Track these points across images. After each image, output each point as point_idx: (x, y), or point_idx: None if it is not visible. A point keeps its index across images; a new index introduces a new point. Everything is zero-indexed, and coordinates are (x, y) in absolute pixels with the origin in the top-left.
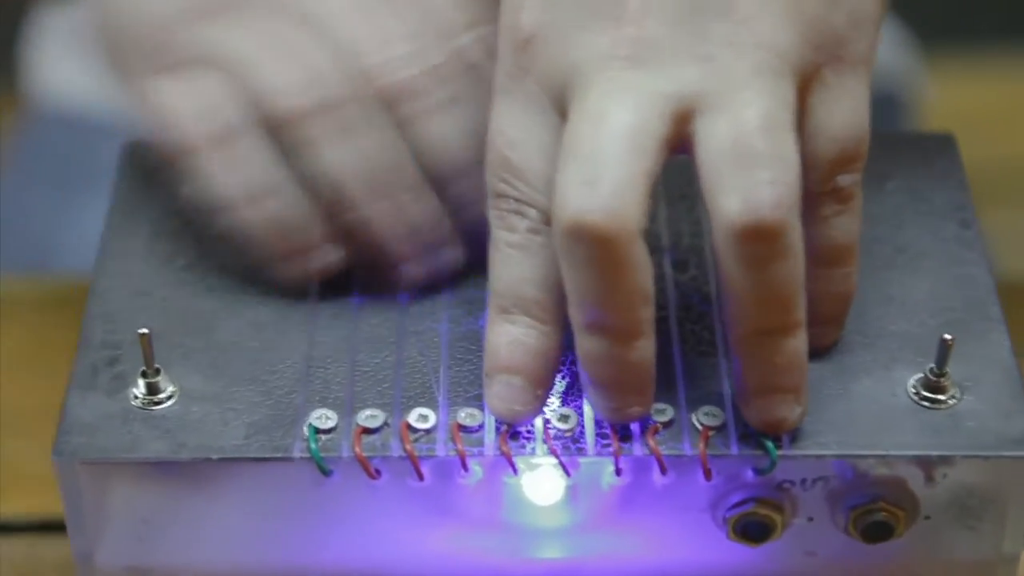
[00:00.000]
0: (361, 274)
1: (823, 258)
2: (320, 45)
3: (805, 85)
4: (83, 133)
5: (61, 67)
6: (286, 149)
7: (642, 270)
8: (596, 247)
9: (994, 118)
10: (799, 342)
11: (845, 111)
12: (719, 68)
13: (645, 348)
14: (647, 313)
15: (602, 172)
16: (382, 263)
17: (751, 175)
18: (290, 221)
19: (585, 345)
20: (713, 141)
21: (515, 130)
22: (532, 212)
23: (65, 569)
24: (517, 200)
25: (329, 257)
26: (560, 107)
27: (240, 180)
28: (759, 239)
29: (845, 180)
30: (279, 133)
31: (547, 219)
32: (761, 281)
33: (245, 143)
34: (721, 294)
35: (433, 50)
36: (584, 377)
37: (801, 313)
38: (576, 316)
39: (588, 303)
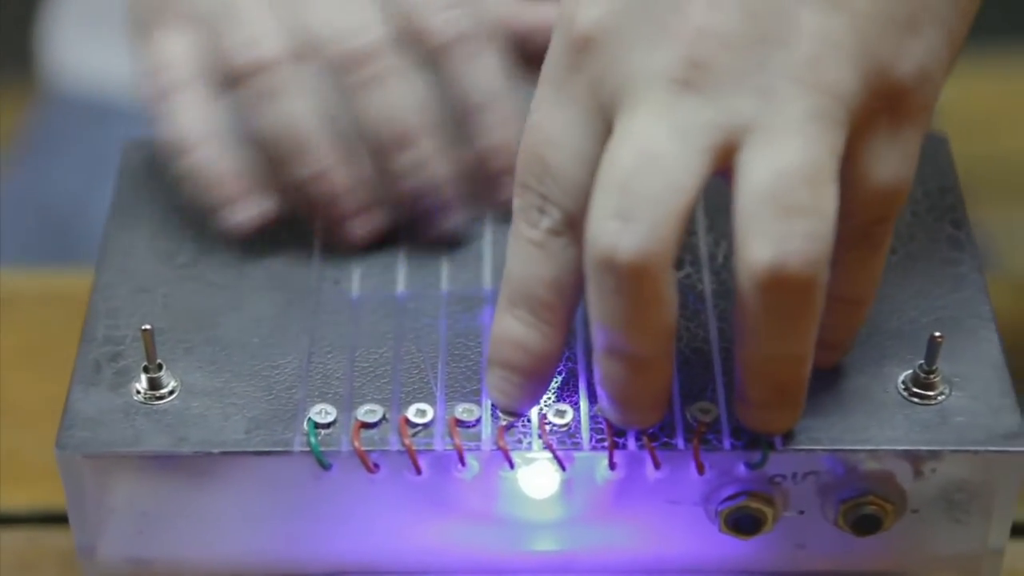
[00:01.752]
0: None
1: (842, 296)
2: (283, 13)
3: (857, 130)
4: (102, 117)
5: (78, 48)
6: (240, 102)
7: (669, 305)
8: (625, 282)
9: (990, 115)
10: (805, 366)
11: (892, 164)
12: (774, 104)
13: (663, 373)
14: (669, 344)
15: (638, 208)
16: (314, 219)
17: (785, 225)
18: (224, 169)
19: (603, 365)
20: (754, 180)
21: (554, 128)
22: (556, 213)
23: (66, 559)
24: (543, 197)
25: (255, 209)
26: (606, 115)
27: (187, 125)
28: (783, 292)
29: (879, 229)
30: (234, 86)
31: (569, 222)
32: (778, 325)
33: (199, 92)
34: (734, 315)
35: (377, 26)
36: (599, 390)
37: (812, 346)
38: (597, 338)
39: (611, 330)
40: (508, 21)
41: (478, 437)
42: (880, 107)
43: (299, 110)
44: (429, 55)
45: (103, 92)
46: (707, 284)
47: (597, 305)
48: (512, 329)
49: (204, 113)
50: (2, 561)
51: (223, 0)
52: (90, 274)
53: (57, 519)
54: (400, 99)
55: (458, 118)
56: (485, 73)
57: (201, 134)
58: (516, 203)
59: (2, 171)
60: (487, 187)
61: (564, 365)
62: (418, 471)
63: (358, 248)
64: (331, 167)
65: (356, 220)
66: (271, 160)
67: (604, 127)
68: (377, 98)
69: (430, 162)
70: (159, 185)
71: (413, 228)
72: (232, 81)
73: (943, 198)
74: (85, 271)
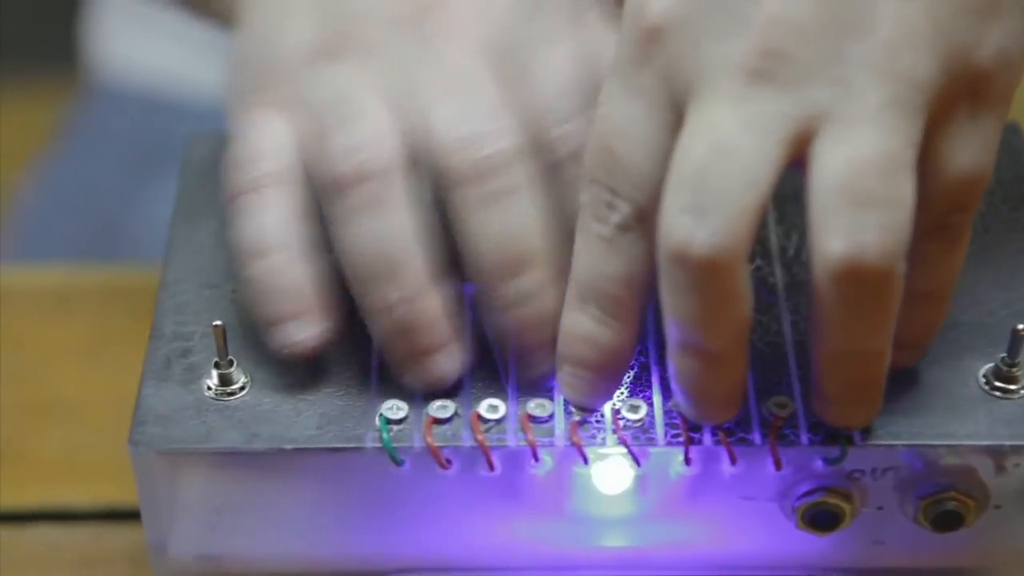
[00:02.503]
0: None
1: (920, 291)
2: (401, 111)
3: (936, 118)
4: (148, 110)
5: (124, 42)
6: (334, 211)
7: (744, 300)
8: (699, 277)
9: None
10: (883, 361)
11: (972, 151)
12: (851, 93)
13: (738, 369)
14: (743, 339)
15: (713, 203)
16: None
17: (861, 217)
18: (290, 283)
19: (678, 361)
20: (828, 172)
21: (624, 120)
22: (625, 207)
23: (132, 556)
24: (612, 191)
25: (312, 331)
26: (676, 107)
27: (264, 228)
28: (858, 284)
29: (958, 219)
30: (332, 192)
31: (639, 216)
32: (855, 319)
33: (287, 192)
34: (810, 310)
35: (509, 135)
36: (674, 384)
37: (889, 341)
38: (672, 334)
39: (686, 326)
40: None
41: (551, 432)
42: (959, 93)
43: (398, 226)
44: (553, 166)
45: (148, 84)
46: (779, 277)
47: (671, 301)
48: (582, 325)
49: (287, 217)
50: (66, 558)
51: (338, 90)
52: (146, 270)
53: (121, 516)
54: (524, 218)
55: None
56: None
57: (277, 240)
58: (584, 198)
59: (47, 164)
60: None
61: (637, 360)
62: (491, 467)
63: (428, 390)
64: (420, 293)
65: (437, 356)
66: (355, 279)
67: (675, 119)
68: (498, 216)
69: (544, 292)
70: (224, 178)
71: (510, 368)
72: (331, 186)
73: (1018, 187)
74: (141, 267)
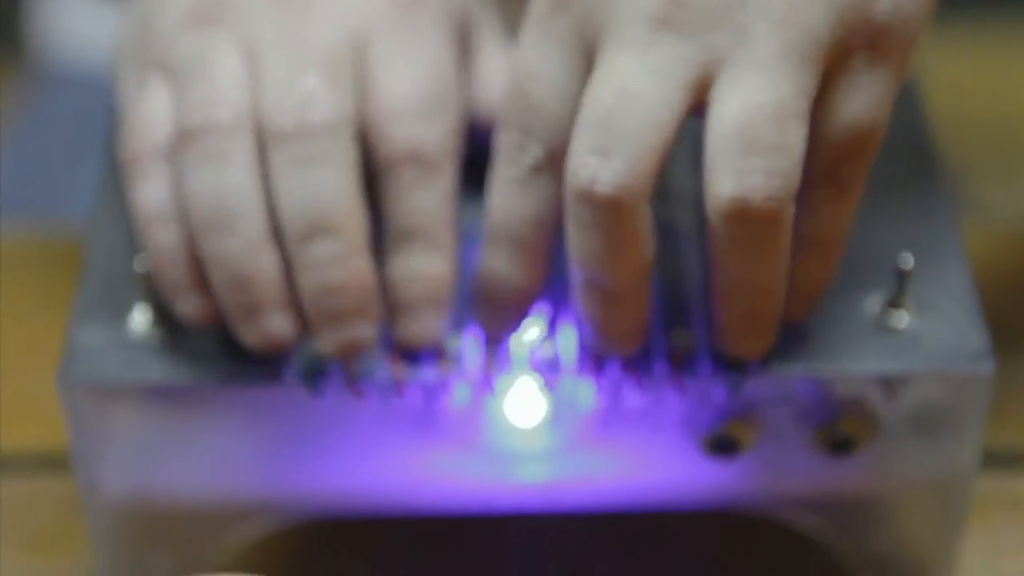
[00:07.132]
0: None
1: (807, 241)
2: (252, 75)
3: (832, 69)
4: (97, 94)
5: (72, 24)
6: (182, 168)
7: (645, 240)
8: (602, 215)
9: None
10: (773, 297)
11: (865, 101)
12: (749, 41)
13: (639, 306)
14: (645, 278)
15: (617, 144)
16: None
17: (749, 161)
18: (163, 255)
19: (582, 298)
20: (722, 118)
21: (540, 64)
22: (537, 149)
23: (66, 507)
24: (525, 133)
25: (199, 302)
26: (588, 53)
27: (143, 201)
28: (745, 223)
29: (848, 170)
30: (182, 149)
31: (551, 158)
32: (744, 256)
33: (162, 160)
34: (707, 247)
35: (336, 110)
36: (581, 316)
37: (779, 279)
38: (576, 273)
39: (588, 264)
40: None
41: (463, 364)
42: (856, 45)
43: (236, 180)
44: (378, 162)
45: (97, 67)
46: (692, 213)
47: (575, 240)
48: (494, 266)
49: (163, 187)
50: (1, 509)
51: (198, 51)
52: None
53: (57, 464)
54: (330, 187)
55: (384, 235)
56: (427, 202)
57: (154, 212)
58: (498, 142)
59: None
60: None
61: (551, 292)
62: (404, 399)
63: (258, 351)
64: (255, 248)
65: (270, 314)
66: (195, 229)
67: (587, 65)
68: (306, 179)
69: (338, 263)
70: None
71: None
72: (180, 138)
73: (914, 134)
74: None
